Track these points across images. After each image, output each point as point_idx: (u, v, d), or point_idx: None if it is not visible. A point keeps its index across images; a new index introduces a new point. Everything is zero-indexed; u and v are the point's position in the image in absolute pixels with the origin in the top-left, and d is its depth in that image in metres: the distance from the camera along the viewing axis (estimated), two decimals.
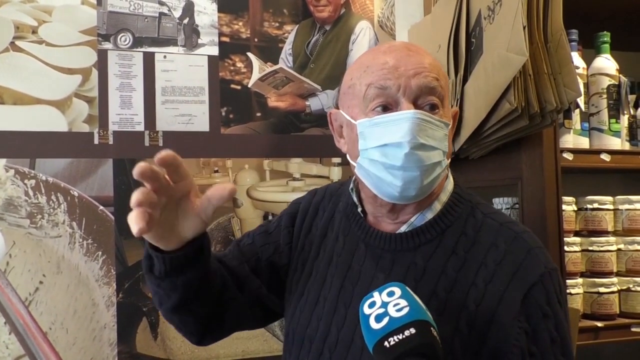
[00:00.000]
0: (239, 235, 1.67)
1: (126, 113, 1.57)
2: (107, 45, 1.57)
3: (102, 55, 1.56)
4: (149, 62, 1.60)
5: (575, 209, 1.46)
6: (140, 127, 1.58)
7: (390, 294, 0.71)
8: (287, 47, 1.74)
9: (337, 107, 0.93)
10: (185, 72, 1.63)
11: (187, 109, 1.63)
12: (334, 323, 0.88)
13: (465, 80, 1.40)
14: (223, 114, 1.67)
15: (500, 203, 1.45)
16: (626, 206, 1.47)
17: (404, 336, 0.66)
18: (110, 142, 1.55)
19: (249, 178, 1.68)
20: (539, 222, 1.30)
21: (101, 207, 1.53)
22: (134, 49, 1.59)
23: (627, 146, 1.52)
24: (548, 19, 1.25)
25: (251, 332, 1.64)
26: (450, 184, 0.91)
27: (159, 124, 1.60)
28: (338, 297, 0.89)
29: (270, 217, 1.70)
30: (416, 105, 0.82)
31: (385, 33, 1.85)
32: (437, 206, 0.88)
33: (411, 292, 0.71)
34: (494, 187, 1.49)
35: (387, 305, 0.69)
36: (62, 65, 1.53)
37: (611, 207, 1.47)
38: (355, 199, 0.93)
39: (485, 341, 0.78)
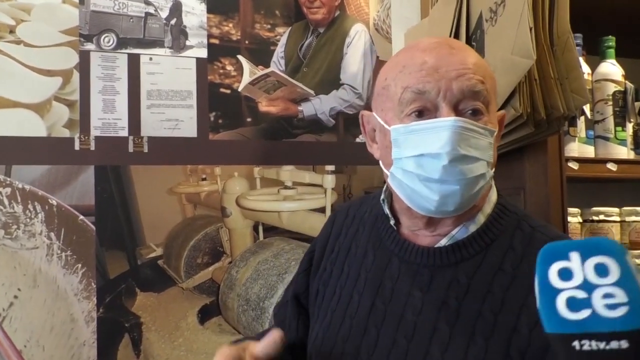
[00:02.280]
0: (227, 246, 1.61)
1: (109, 117, 1.52)
2: (89, 46, 1.52)
3: (84, 57, 1.52)
4: (133, 64, 1.56)
5: (581, 220, 1.43)
6: (124, 133, 1.53)
7: (601, 269, 0.50)
8: (279, 50, 1.70)
9: (369, 109, 0.87)
10: (172, 75, 1.59)
11: (174, 114, 1.58)
12: (363, 346, 0.81)
13: None
14: (212, 119, 1.62)
15: None
16: (633, 218, 1.45)
17: (608, 348, 0.49)
18: (92, 148, 1.50)
19: (239, 186, 1.64)
20: None
21: (81, 217, 1.48)
22: (118, 51, 1.55)
23: (632, 155, 1.47)
24: (554, 21, 1.20)
25: None
26: (494, 195, 0.85)
27: (143, 129, 1.55)
28: (368, 317, 0.82)
29: (260, 227, 1.65)
30: (457, 111, 0.75)
31: (381, 36, 1.80)
32: (481, 218, 0.81)
33: (635, 276, 0.51)
34: None
35: (592, 291, 0.50)
36: (41, 66, 1.48)
37: (618, 218, 1.45)
38: (387, 210, 0.87)
39: None
